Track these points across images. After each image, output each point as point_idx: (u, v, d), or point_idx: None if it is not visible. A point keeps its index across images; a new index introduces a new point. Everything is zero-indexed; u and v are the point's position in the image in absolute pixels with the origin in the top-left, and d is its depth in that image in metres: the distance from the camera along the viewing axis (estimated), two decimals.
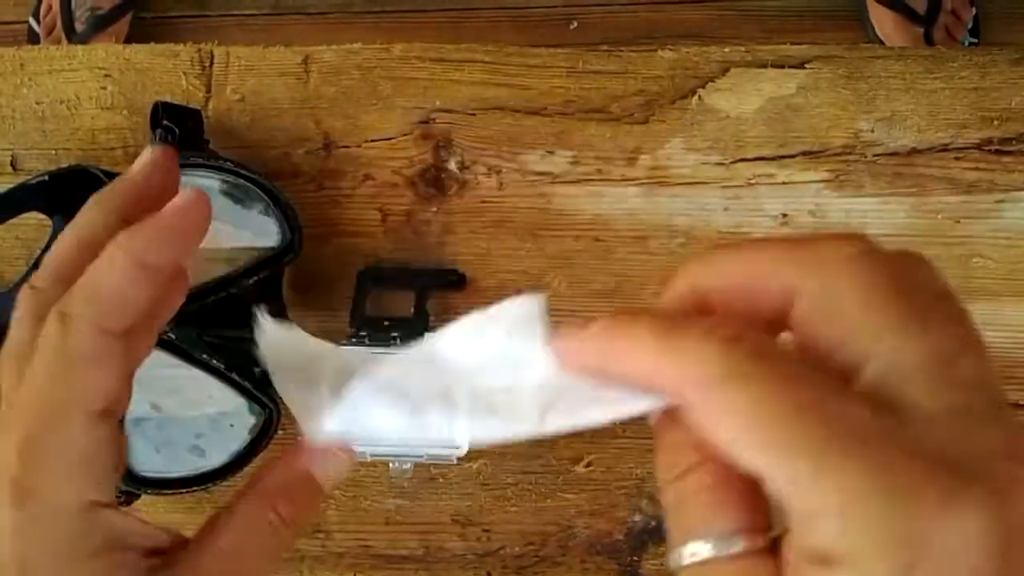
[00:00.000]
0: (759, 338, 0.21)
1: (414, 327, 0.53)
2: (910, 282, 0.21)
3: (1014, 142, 0.55)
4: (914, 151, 0.55)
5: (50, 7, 1.18)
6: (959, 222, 0.55)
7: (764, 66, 0.56)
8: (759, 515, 0.22)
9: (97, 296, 0.27)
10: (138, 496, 0.50)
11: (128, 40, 1.20)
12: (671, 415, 0.23)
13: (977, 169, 0.55)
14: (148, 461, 0.47)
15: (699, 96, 0.56)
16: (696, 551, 0.21)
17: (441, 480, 0.56)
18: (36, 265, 0.57)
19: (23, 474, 0.25)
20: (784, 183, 0.55)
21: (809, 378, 0.20)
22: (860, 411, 0.19)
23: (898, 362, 0.20)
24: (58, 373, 0.26)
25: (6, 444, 0.25)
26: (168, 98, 0.55)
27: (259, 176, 0.51)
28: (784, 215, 0.55)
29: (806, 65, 0.56)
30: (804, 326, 0.22)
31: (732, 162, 0.56)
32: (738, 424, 0.20)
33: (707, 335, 0.21)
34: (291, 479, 0.31)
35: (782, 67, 0.56)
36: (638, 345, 0.22)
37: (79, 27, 1.17)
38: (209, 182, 0.51)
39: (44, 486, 0.25)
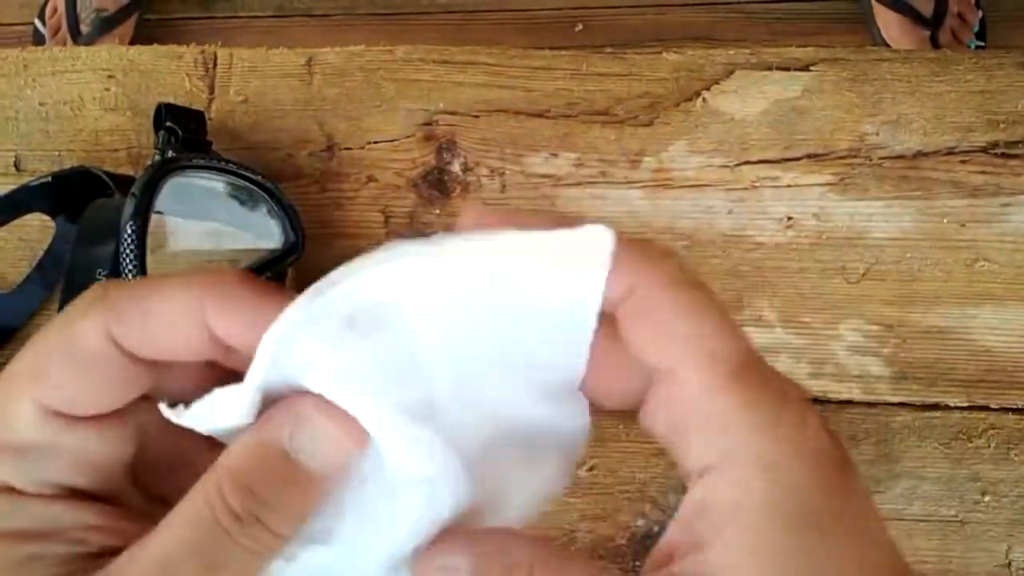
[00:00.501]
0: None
1: None
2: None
3: (1020, 145, 0.55)
4: (919, 154, 0.55)
5: (55, 9, 1.18)
6: (964, 226, 0.55)
7: (769, 69, 0.56)
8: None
9: None
10: None
11: (133, 42, 1.21)
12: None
13: (983, 172, 0.55)
14: None
15: (704, 98, 0.56)
16: None
17: None
18: (40, 266, 0.57)
19: None
20: (789, 186, 0.55)
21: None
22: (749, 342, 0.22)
23: None
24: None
25: None
26: (171, 99, 0.55)
27: (262, 178, 0.51)
28: (789, 218, 0.55)
29: (811, 68, 0.56)
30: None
31: (736, 165, 0.55)
32: (690, 323, 0.21)
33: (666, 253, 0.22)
34: (255, 458, 0.22)
35: (787, 70, 0.56)
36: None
37: (84, 29, 1.17)
38: (212, 184, 0.51)
39: None
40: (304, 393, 0.22)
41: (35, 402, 0.22)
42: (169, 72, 0.57)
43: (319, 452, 0.22)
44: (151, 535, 0.21)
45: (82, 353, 0.22)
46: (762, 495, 0.20)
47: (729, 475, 0.21)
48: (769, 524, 0.20)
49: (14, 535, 0.22)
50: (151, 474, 0.24)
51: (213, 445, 0.23)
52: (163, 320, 0.22)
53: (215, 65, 0.57)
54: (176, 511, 0.22)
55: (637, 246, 0.22)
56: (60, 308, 0.47)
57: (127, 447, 0.24)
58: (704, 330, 0.21)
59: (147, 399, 0.24)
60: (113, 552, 0.22)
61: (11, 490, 0.22)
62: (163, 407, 0.22)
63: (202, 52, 0.58)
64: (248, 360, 0.22)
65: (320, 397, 0.22)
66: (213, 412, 0.22)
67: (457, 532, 0.23)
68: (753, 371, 0.21)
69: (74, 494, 0.23)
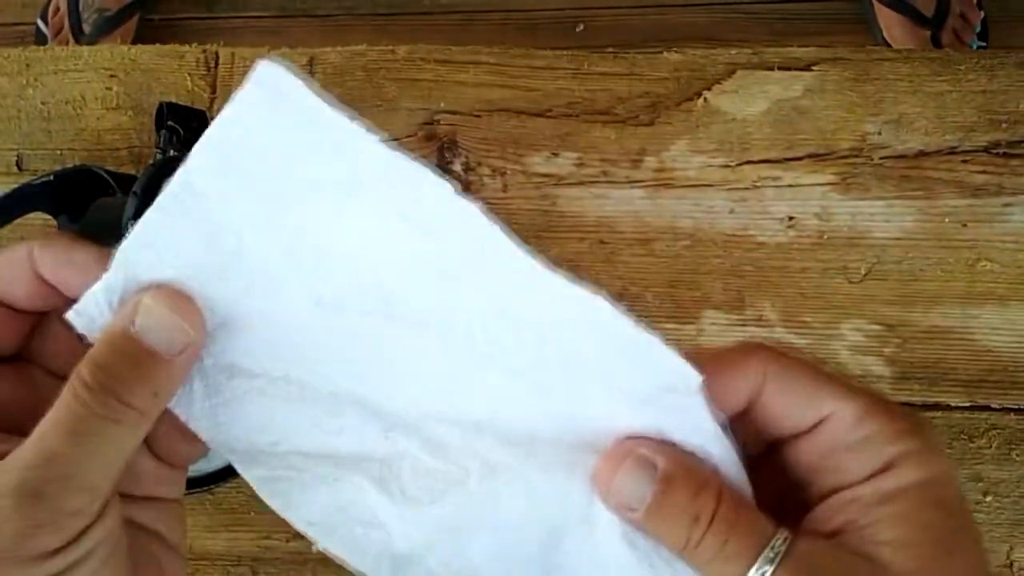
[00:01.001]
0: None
1: None
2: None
3: (1022, 145, 0.55)
4: (921, 154, 0.55)
5: (58, 8, 1.19)
6: (966, 225, 0.55)
7: (770, 68, 0.56)
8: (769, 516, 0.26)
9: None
10: None
11: (135, 41, 1.21)
12: (669, 482, 0.26)
13: (985, 172, 0.55)
14: None
15: (705, 98, 0.56)
16: (768, 559, 0.25)
17: None
18: None
19: None
20: (790, 185, 0.55)
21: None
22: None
23: None
24: None
25: None
26: (173, 99, 0.55)
27: None
28: (790, 218, 0.55)
29: (813, 67, 0.56)
30: None
31: (738, 164, 0.55)
32: (822, 385, 0.27)
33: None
34: (106, 342, 0.26)
35: (788, 69, 0.56)
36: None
37: (87, 28, 1.17)
38: None
39: None
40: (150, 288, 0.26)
41: None
42: (171, 71, 0.58)
43: (158, 332, 0.26)
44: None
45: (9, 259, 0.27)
46: (923, 496, 0.26)
47: (895, 480, 0.26)
48: (931, 516, 0.25)
49: None
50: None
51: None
52: (3, 267, 0.27)
53: (217, 64, 0.58)
54: (53, 405, 0.25)
55: (745, 352, 0.27)
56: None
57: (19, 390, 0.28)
58: (835, 381, 0.27)
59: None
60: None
61: None
62: (68, 314, 0.26)
63: (204, 52, 0.58)
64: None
65: (165, 290, 0.26)
66: (84, 312, 0.26)
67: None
68: (883, 403, 0.26)
69: None
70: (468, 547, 0.27)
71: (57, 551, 0.24)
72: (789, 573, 0.25)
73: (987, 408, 0.55)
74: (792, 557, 0.25)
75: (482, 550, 0.27)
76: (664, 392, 0.26)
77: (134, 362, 0.25)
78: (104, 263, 0.26)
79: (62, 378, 0.26)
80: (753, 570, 0.25)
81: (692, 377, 0.25)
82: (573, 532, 0.26)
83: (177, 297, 0.26)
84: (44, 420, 0.25)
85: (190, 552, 0.55)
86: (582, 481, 0.26)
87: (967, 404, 0.55)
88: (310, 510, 0.28)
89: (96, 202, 0.50)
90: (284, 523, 0.60)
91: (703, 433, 0.26)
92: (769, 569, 0.25)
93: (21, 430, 0.26)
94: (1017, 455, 0.55)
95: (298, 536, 0.56)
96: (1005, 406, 0.55)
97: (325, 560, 0.56)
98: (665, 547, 0.26)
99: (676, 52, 0.57)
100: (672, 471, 0.26)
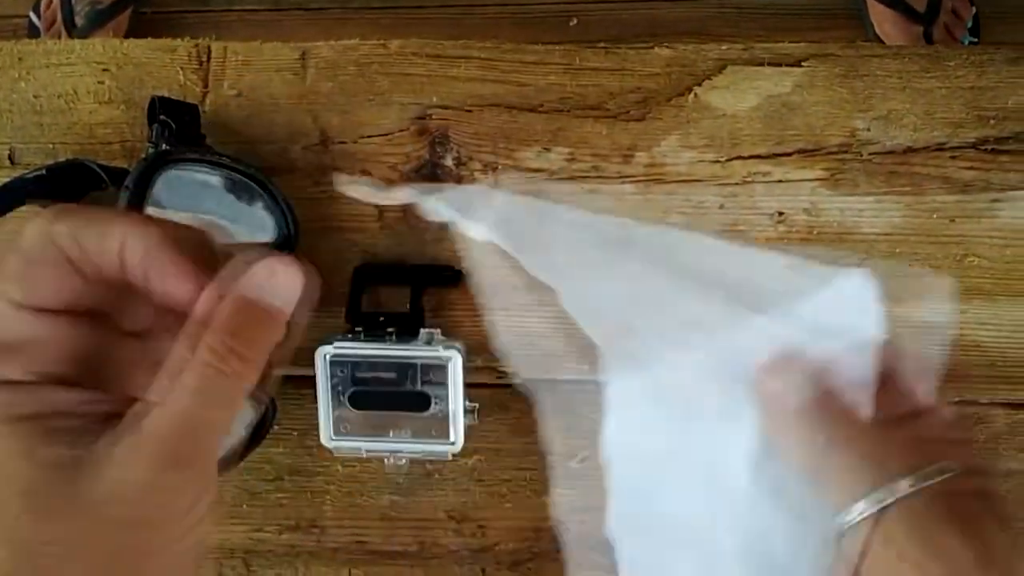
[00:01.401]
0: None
1: (410, 323, 0.53)
2: None
3: (1010, 141, 0.55)
4: (910, 150, 0.55)
5: (50, 2, 1.18)
6: (954, 221, 0.55)
7: (761, 64, 0.56)
8: None
9: None
10: None
11: (127, 35, 1.20)
12: None
13: (973, 168, 0.55)
14: None
15: (695, 94, 0.56)
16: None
17: (436, 476, 0.56)
18: None
19: None
20: (780, 181, 0.55)
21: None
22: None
23: None
24: None
25: None
26: (165, 93, 0.55)
27: (257, 171, 0.51)
28: (780, 213, 0.55)
29: (803, 63, 0.56)
30: None
31: (728, 160, 0.56)
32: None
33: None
34: (231, 309, 0.27)
35: (779, 65, 0.56)
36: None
37: (79, 21, 1.17)
38: (206, 177, 0.51)
39: None
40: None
41: (4, 296, 0.26)
42: (163, 65, 0.58)
43: (277, 293, 0.28)
44: (149, 391, 0.26)
45: (28, 248, 0.26)
46: None
47: None
48: None
49: (28, 418, 0.26)
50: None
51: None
52: (94, 231, 0.27)
53: (209, 59, 0.58)
54: (166, 368, 0.26)
55: None
56: None
57: (90, 341, 0.28)
58: None
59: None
60: (107, 419, 0.26)
61: (9, 382, 0.26)
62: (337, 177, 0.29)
63: (196, 46, 0.58)
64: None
65: (273, 258, 0.28)
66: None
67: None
68: None
69: (61, 380, 0.27)
70: None
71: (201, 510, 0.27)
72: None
73: (975, 403, 0.55)
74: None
75: None
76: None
77: (260, 323, 0.28)
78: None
79: (133, 334, 0.28)
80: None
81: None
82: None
83: (285, 261, 0.28)
84: (170, 385, 0.26)
85: None
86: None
87: (955, 399, 0.55)
88: None
89: (89, 196, 0.50)
90: (276, 516, 0.60)
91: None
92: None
93: (102, 384, 0.27)
94: (1004, 449, 0.55)
95: (290, 529, 0.57)
96: (993, 400, 0.55)
97: (316, 552, 0.57)
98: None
99: (667, 47, 0.57)
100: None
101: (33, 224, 0.26)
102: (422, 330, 0.53)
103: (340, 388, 0.52)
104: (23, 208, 0.55)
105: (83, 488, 0.25)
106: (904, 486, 0.32)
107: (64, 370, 0.27)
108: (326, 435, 0.53)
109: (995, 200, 0.55)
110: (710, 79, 0.56)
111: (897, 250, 0.55)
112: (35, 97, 0.58)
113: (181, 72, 0.57)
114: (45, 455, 0.25)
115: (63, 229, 0.26)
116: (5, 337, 0.26)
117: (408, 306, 0.54)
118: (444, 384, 0.52)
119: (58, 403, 0.26)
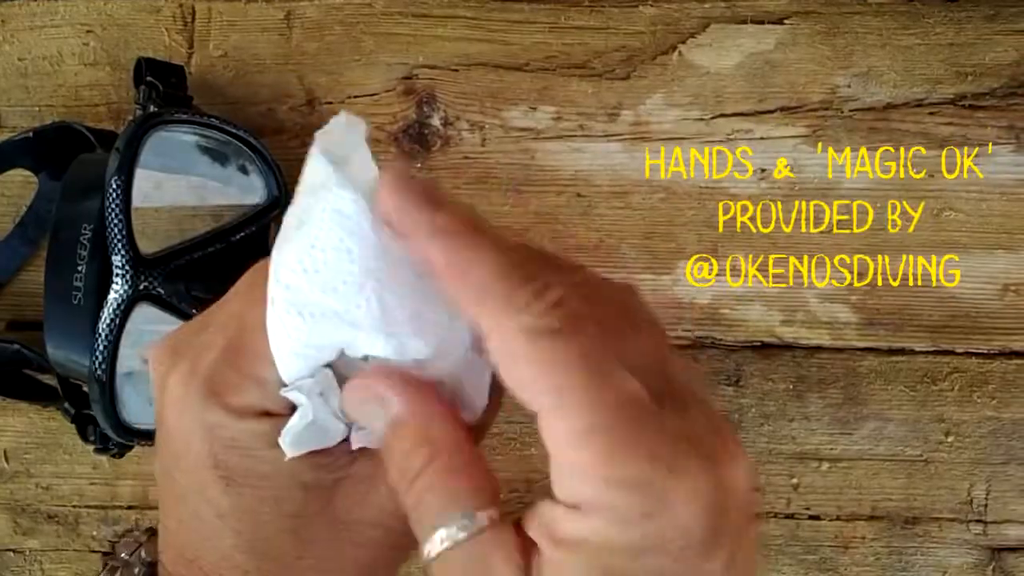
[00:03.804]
0: (580, 305, 0.24)
1: None
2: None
3: (987, 97, 0.56)
4: (890, 106, 0.56)
5: None
6: (932, 176, 0.56)
7: (743, 22, 0.57)
8: (493, 493, 0.26)
9: None
10: (131, 447, 0.51)
11: None
12: (397, 427, 0.26)
13: (951, 124, 0.56)
14: (140, 413, 0.48)
15: (679, 52, 0.57)
16: (446, 535, 0.24)
17: None
18: (22, 223, 0.58)
19: (214, 370, 0.27)
20: (763, 138, 0.56)
21: (606, 350, 0.23)
22: (636, 389, 0.23)
23: None
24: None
25: (206, 351, 0.27)
26: (151, 54, 0.55)
27: (247, 132, 0.51)
28: (762, 170, 0.56)
29: (785, 21, 0.57)
30: None
31: (712, 118, 0.56)
32: (541, 374, 0.23)
33: (539, 294, 0.23)
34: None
35: (761, 23, 0.57)
36: (481, 272, 0.24)
37: None
38: (194, 139, 0.51)
39: (229, 390, 0.27)
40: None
41: None
42: (148, 27, 0.57)
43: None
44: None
45: None
46: (588, 560, 0.23)
47: (575, 526, 0.23)
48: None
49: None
50: None
51: None
52: None
53: (194, 19, 0.57)
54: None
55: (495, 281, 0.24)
56: (48, 263, 0.47)
57: None
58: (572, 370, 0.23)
59: None
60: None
61: (267, 413, 0.27)
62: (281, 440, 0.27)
63: (180, 6, 0.58)
64: None
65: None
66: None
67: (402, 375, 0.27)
68: (625, 422, 0.23)
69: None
70: None
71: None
72: (464, 552, 0.24)
73: (950, 352, 0.57)
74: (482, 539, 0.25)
75: None
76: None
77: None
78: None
79: None
80: (437, 535, 0.25)
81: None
82: None
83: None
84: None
85: None
86: None
87: (931, 349, 0.57)
88: None
89: (78, 158, 0.51)
90: None
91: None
92: (447, 540, 0.24)
93: None
94: (978, 397, 0.57)
95: None
96: (968, 350, 0.57)
97: None
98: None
99: (651, 6, 0.57)
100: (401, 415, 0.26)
101: None
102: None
103: None
104: (11, 172, 0.56)
105: (340, 509, 0.27)
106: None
107: None
108: None
109: (972, 155, 0.56)
110: (694, 37, 0.57)
111: (876, 205, 0.56)
112: (20, 60, 0.57)
113: (166, 33, 0.57)
114: (310, 478, 0.27)
115: None
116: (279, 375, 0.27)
117: None
118: None
119: None
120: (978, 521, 0.57)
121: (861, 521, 0.58)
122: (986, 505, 0.57)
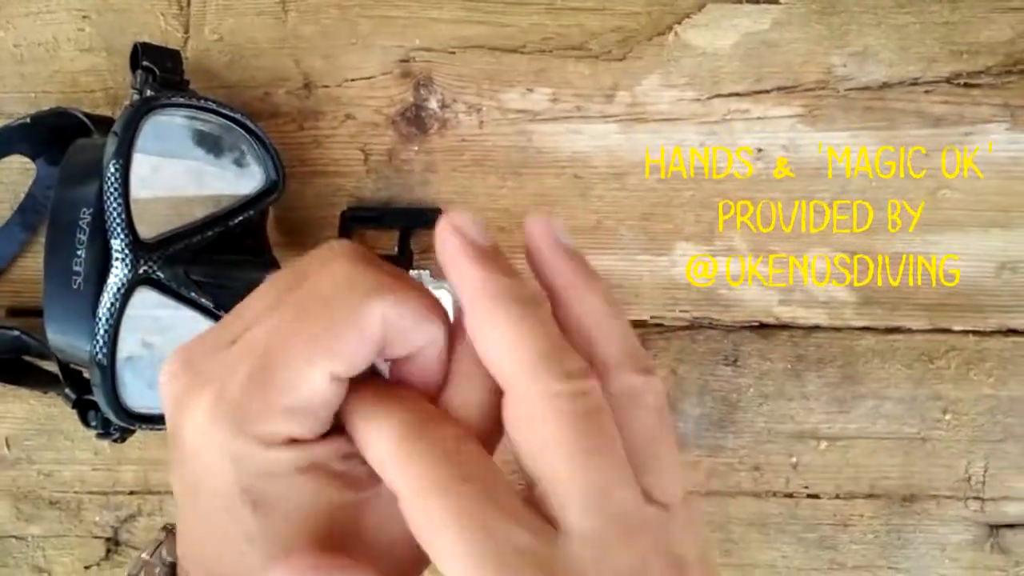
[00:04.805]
0: (470, 457, 0.25)
1: (399, 264, 0.54)
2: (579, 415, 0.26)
3: (982, 75, 0.56)
4: (885, 85, 0.56)
5: None
6: (928, 155, 0.56)
7: (740, 2, 0.57)
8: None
9: None
10: (132, 432, 0.52)
11: None
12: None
13: (946, 102, 0.56)
14: (141, 397, 0.48)
15: (676, 32, 0.57)
16: None
17: None
18: (21, 209, 0.58)
19: (241, 400, 0.26)
20: (759, 118, 0.56)
21: (493, 501, 0.24)
22: (521, 535, 0.23)
23: (559, 489, 0.25)
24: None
25: (231, 376, 0.27)
26: (147, 39, 0.55)
27: (244, 116, 0.51)
28: (759, 150, 0.57)
29: (781, 0, 0.57)
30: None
31: (708, 98, 0.57)
32: (434, 532, 0.24)
33: (431, 446, 0.25)
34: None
35: (757, 3, 0.57)
36: (381, 441, 0.26)
37: None
38: (191, 123, 0.51)
39: (257, 420, 0.26)
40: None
41: (326, 372, 0.26)
42: (143, 11, 0.57)
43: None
44: None
45: (368, 334, 0.27)
46: None
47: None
48: None
49: (317, 468, 0.27)
50: None
51: None
52: (410, 321, 0.27)
53: (189, 4, 0.57)
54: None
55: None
56: (47, 249, 0.47)
57: None
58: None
59: None
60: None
61: (295, 441, 0.27)
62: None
63: None
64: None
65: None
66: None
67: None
68: None
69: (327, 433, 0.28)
70: None
71: None
72: None
73: (947, 331, 0.57)
74: None
75: None
76: None
77: None
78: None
79: None
80: None
81: None
82: None
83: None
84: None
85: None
86: None
87: (928, 327, 0.57)
88: None
89: (76, 143, 0.51)
90: None
91: None
92: None
93: None
94: (974, 375, 0.57)
95: None
96: (964, 328, 0.57)
97: None
98: None
99: None
100: None
101: (371, 308, 0.26)
102: (411, 271, 0.54)
103: None
104: (9, 158, 0.56)
105: (370, 528, 0.28)
106: None
107: (328, 424, 0.28)
108: None
109: (967, 133, 0.56)
110: (690, 17, 0.57)
111: (872, 184, 0.56)
112: (15, 46, 0.57)
113: (162, 18, 0.57)
114: (339, 500, 0.27)
115: (388, 311, 0.27)
116: (307, 404, 0.27)
117: (397, 248, 0.55)
118: None
119: (342, 450, 0.28)
120: (976, 498, 0.58)
121: (860, 499, 0.58)
122: (984, 482, 0.58)
